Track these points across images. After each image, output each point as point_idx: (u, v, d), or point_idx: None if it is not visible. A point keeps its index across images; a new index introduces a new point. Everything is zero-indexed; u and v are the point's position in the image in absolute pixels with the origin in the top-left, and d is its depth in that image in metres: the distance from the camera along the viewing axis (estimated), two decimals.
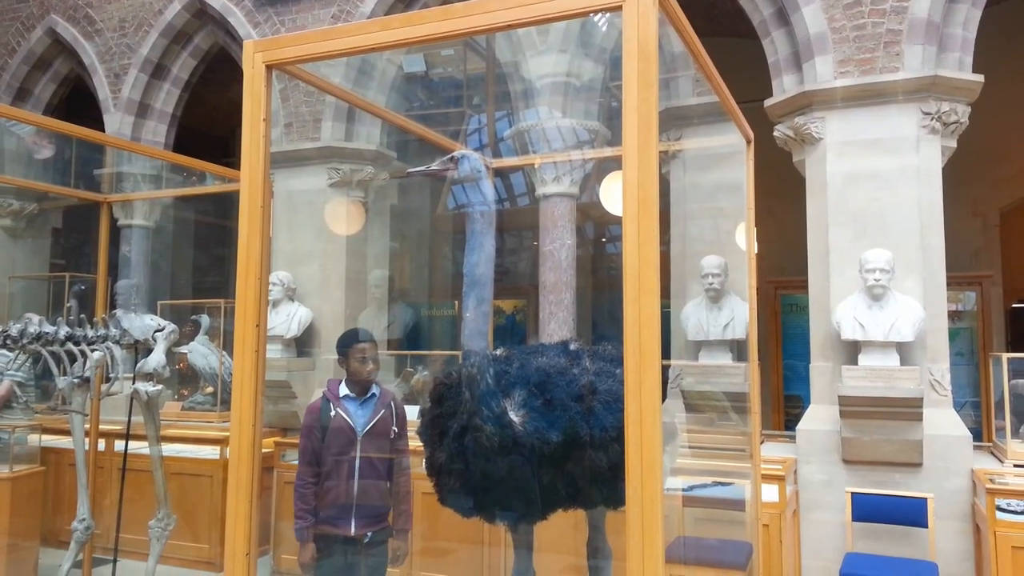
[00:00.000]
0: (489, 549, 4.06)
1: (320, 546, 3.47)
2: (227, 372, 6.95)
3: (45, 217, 9.69)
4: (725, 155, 6.04)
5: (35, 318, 4.42)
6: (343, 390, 3.60)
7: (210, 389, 7.31)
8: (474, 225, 2.65)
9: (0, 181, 8.81)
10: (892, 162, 5.19)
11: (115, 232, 8.22)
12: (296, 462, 5.83)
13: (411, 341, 8.43)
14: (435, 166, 2.80)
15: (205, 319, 7.30)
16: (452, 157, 2.79)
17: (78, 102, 9.42)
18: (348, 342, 3.64)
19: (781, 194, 6.30)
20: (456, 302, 10.11)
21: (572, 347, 3.05)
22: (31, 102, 9.20)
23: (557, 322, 6.46)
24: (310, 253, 7.44)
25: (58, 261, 10.12)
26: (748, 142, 3.55)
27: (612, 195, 6.59)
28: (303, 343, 7.24)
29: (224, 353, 7.13)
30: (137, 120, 8.55)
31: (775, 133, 5.72)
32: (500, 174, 9.31)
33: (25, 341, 4.22)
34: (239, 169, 2.17)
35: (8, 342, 4.20)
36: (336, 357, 3.69)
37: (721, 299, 5.68)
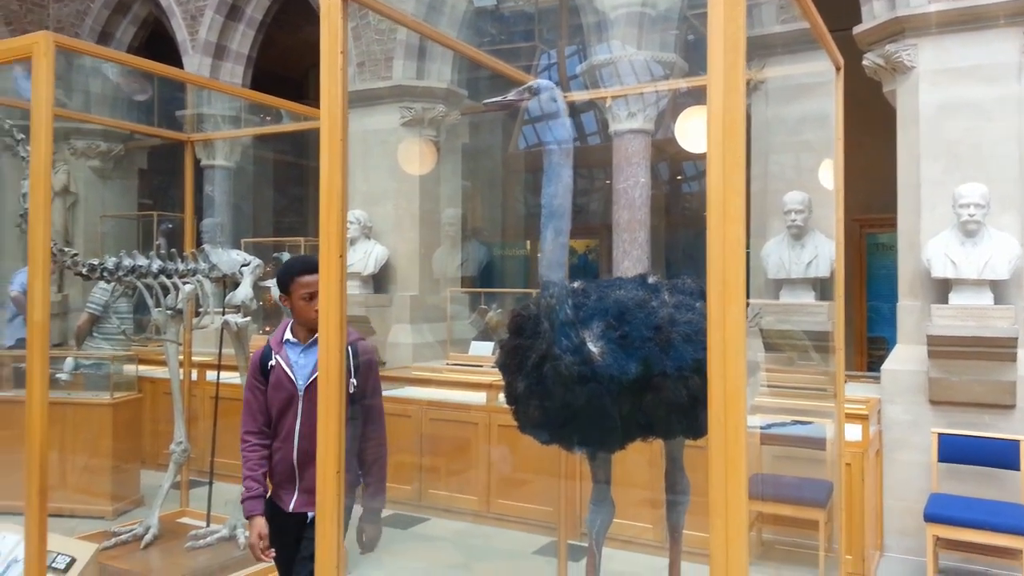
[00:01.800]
0: (565, 482, 4.14)
1: (269, 519, 2.91)
2: None
3: (131, 158, 10.08)
4: (810, 85, 5.79)
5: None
6: (287, 334, 2.95)
7: None
8: (551, 157, 2.61)
9: (92, 121, 9.15)
10: (990, 91, 4.89)
11: (198, 173, 8.48)
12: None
13: (484, 279, 8.52)
14: (512, 96, 2.76)
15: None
16: (529, 87, 2.74)
17: (158, 45, 9.64)
18: (288, 273, 2.92)
19: (869, 127, 6.02)
20: (528, 242, 10.12)
21: (650, 280, 3.03)
22: (113, 45, 9.48)
23: (631, 261, 6.41)
24: (384, 192, 7.52)
25: (145, 201, 10.53)
26: (838, 69, 3.39)
27: (688, 131, 6.42)
28: (379, 280, 7.40)
29: None
30: (215, 62, 8.71)
31: (864, 62, 5.45)
32: (572, 112, 9.16)
33: (120, 274, 4.43)
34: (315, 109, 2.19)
35: (105, 275, 4.40)
36: (280, 293, 2.97)
37: (804, 236, 5.52)
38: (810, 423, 4.62)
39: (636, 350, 2.57)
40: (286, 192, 11.54)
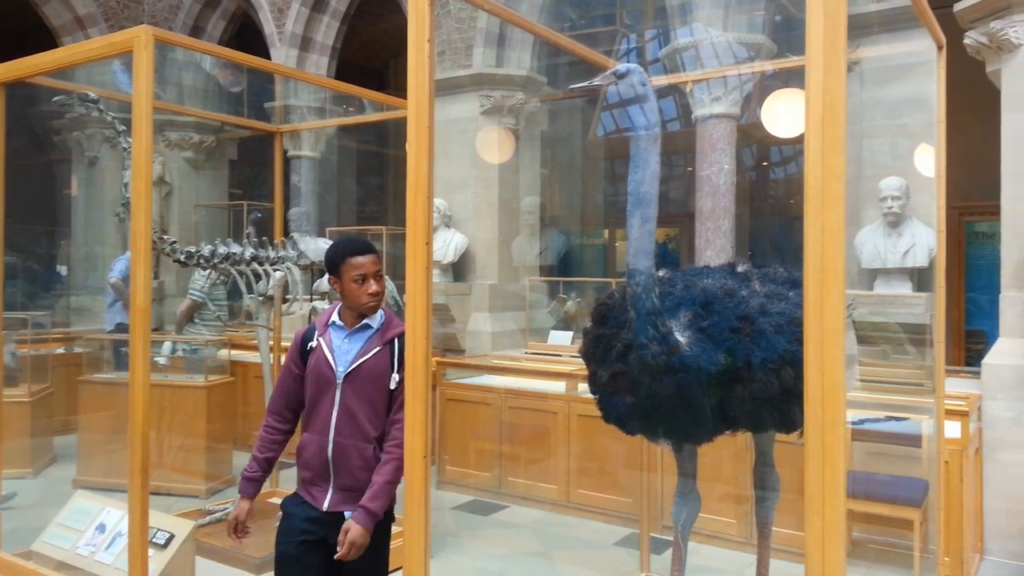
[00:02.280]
0: (647, 474, 4.09)
1: (289, 512, 2.68)
2: (390, 295, 7.29)
3: (222, 149, 10.46)
4: (907, 66, 5.52)
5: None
6: (334, 316, 2.71)
7: None
8: (638, 143, 2.57)
9: (188, 113, 9.51)
10: None
11: (284, 163, 8.72)
12: (461, 381, 6.12)
13: (563, 268, 8.49)
14: (598, 80, 2.72)
15: None
16: (616, 71, 2.69)
17: (246, 38, 9.95)
18: (339, 254, 2.63)
19: (969, 109, 5.70)
20: (607, 231, 10.03)
21: (739, 269, 2.95)
22: (204, 39, 9.83)
23: (714, 250, 6.27)
24: (464, 181, 7.57)
25: (235, 191, 10.91)
26: (940, 48, 3.22)
27: (776, 115, 6.22)
28: (459, 268, 7.47)
29: (386, 277, 7.48)
30: (301, 54, 8.93)
31: (966, 40, 5.16)
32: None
33: (216, 261, 4.59)
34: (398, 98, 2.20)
35: (201, 262, 4.57)
36: (328, 276, 2.74)
37: (901, 224, 5.28)
38: (905, 419, 4.43)
39: (724, 340, 2.50)
40: (367, 182, 11.76)
